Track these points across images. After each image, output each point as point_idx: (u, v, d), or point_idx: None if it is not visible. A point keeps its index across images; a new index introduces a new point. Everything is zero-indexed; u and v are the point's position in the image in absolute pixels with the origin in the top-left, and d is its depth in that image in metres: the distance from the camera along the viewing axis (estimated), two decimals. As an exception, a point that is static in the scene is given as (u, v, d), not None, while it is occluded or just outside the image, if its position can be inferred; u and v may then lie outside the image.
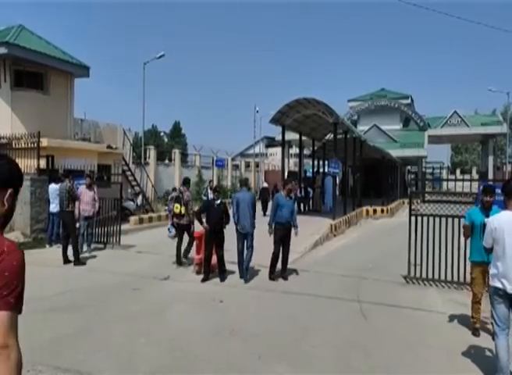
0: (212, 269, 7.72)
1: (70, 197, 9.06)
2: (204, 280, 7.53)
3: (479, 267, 5.15)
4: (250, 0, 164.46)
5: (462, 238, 7.00)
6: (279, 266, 7.88)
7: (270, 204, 11.47)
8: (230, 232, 7.80)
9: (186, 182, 9.27)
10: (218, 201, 7.70)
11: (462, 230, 5.69)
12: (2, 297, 1.35)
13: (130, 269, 8.32)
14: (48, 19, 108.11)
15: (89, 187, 10.06)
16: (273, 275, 7.75)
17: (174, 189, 18.11)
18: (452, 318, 5.78)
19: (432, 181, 35.20)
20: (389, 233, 14.17)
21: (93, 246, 10.44)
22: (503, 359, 3.75)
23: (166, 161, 25.75)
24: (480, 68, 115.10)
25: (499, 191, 6.39)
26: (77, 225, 9.56)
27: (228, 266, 7.80)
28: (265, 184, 21.77)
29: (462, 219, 7.18)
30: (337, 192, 16.80)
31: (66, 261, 8.77)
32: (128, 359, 4.33)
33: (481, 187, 5.77)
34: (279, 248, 7.80)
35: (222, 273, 7.63)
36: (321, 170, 22.86)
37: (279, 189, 11.68)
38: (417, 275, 7.57)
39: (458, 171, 52.40)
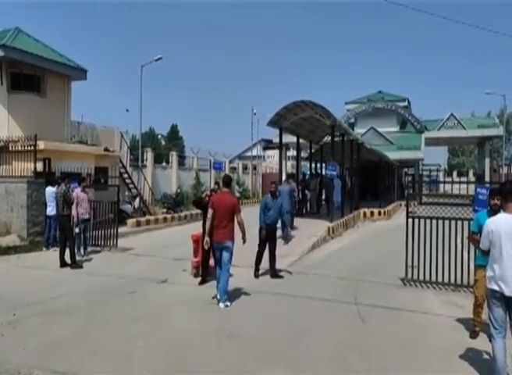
0: (210, 272, 7.70)
1: (65, 201, 9.07)
2: (201, 283, 7.51)
3: (483, 270, 5.11)
4: (247, 1, 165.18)
5: (459, 240, 7.04)
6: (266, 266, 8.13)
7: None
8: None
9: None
10: None
11: (471, 238, 5.24)
12: (238, 211, 6.37)
13: (127, 272, 8.30)
14: (45, 22, 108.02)
15: (83, 189, 10.12)
16: (258, 272, 8.09)
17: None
18: (449, 320, 5.77)
19: (429, 183, 35.22)
20: (386, 236, 14.19)
21: (90, 249, 10.42)
22: (500, 362, 3.75)
23: (164, 164, 25.70)
24: (476, 71, 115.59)
25: (484, 191, 6.42)
26: (76, 230, 9.53)
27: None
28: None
29: (460, 222, 7.26)
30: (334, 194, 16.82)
31: (63, 264, 8.75)
32: (125, 363, 4.31)
33: (488, 191, 5.49)
34: (264, 248, 8.16)
35: (219, 276, 7.62)
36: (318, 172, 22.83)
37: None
38: (415, 277, 7.57)
39: (455, 173, 52.55)
